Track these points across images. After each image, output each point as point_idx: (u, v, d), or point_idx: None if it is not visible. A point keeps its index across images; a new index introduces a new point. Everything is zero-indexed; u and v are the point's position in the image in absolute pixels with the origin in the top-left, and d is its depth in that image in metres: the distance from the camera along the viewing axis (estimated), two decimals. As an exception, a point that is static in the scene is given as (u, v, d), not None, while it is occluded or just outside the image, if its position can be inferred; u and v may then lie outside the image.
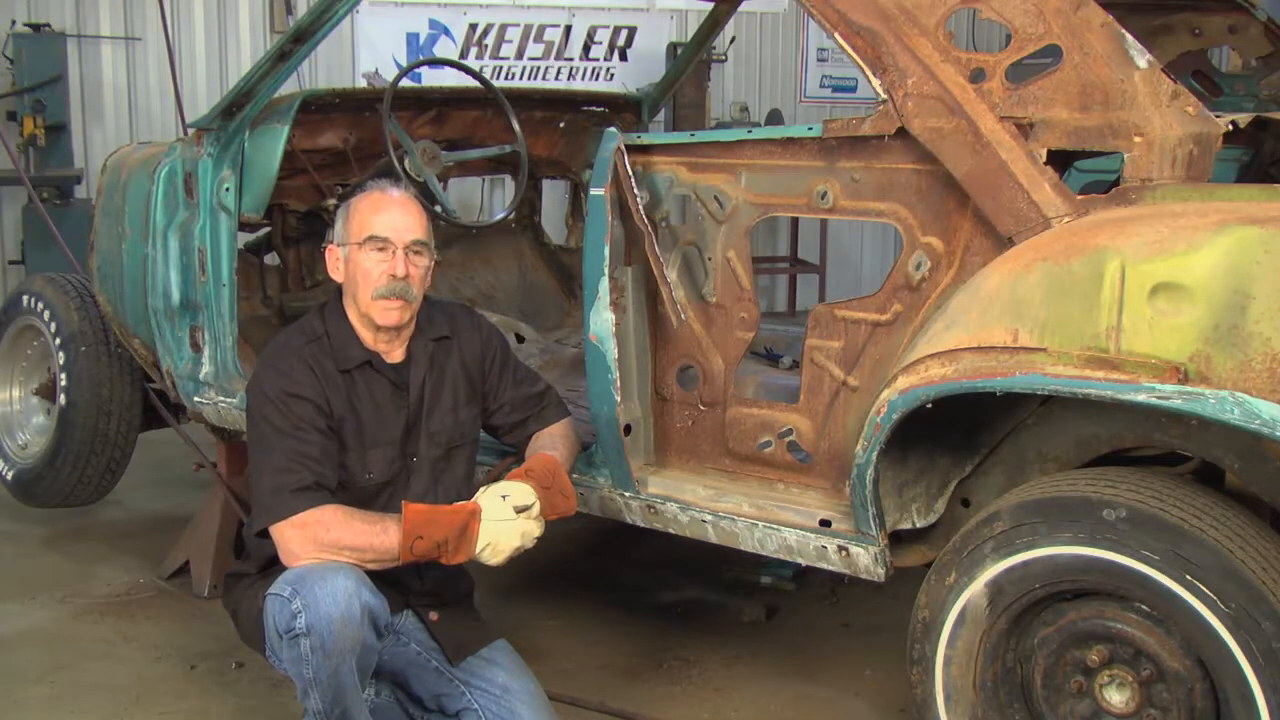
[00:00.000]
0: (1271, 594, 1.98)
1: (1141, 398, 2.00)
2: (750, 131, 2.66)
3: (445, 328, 2.74)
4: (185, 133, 3.67)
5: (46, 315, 4.12)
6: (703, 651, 3.37)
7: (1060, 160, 2.26)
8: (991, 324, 2.17)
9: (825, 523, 2.57)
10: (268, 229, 4.09)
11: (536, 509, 2.53)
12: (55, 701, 3.09)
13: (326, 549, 2.38)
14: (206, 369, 3.60)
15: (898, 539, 2.57)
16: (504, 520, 2.46)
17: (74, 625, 3.55)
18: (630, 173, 2.69)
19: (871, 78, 2.37)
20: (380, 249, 2.56)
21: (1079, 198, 2.22)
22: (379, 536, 2.38)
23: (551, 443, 2.77)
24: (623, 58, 8.44)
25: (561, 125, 4.51)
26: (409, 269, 2.56)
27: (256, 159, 3.48)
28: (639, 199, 2.70)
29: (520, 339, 4.07)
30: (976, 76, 2.30)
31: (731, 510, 2.70)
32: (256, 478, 2.50)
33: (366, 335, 2.62)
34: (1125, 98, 2.17)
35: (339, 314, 2.63)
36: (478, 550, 2.44)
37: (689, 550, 3.12)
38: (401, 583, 2.58)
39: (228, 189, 3.49)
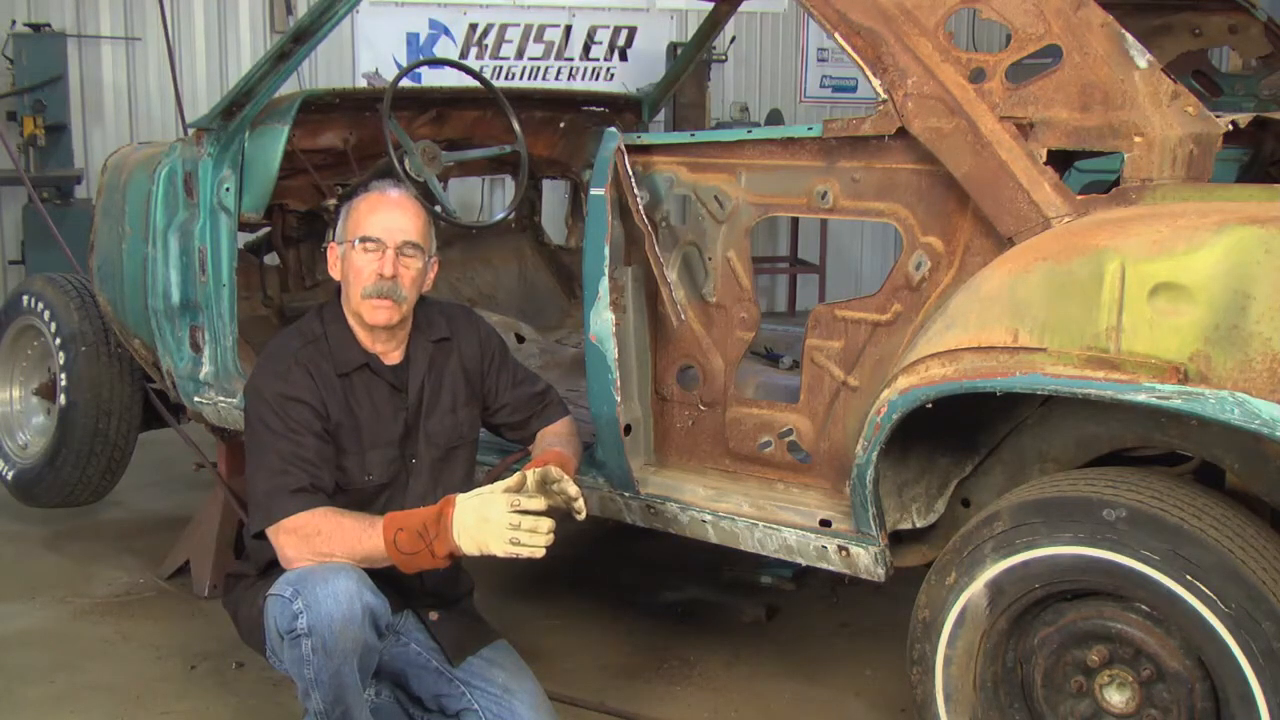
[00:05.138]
0: (1271, 594, 1.98)
1: (1141, 398, 2.00)
2: (750, 131, 2.67)
3: (444, 329, 2.74)
4: (185, 133, 3.67)
5: (46, 315, 4.12)
6: (703, 651, 3.37)
7: (1060, 160, 2.27)
8: (991, 324, 2.17)
9: (825, 523, 2.57)
10: (268, 229, 4.09)
11: (531, 481, 2.42)
12: (55, 701, 3.09)
13: (320, 553, 2.38)
14: (206, 369, 3.60)
15: (898, 539, 2.57)
16: (475, 496, 2.36)
17: (74, 625, 3.55)
18: (630, 173, 2.69)
19: (871, 78, 2.37)
20: (371, 249, 2.56)
21: (1079, 198, 2.22)
22: (367, 535, 2.37)
23: (559, 441, 2.76)
24: (623, 58, 8.44)
25: (561, 125, 4.51)
26: (398, 269, 2.56)
27: (256, 159, 3.48)
28: (639, 199, 2.70)
29: (520, 339, 4.07)
30: (976, 76, 2.30)
31: (731, 510, 2.70)
32: (252, 480, 2.50)
33: (363, 336, 2.62)
34: (1125, 98, 2.17)
35: (337, 315, 2.63)
36: (454, 534, 2.33)
37: (689, 550, 3.12)
38: (402, 583, 2.58)
39: (228, 189, 3.49)
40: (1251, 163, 3.27)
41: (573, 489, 2.47)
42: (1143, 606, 2.15)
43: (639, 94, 4.77)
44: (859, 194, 2.49)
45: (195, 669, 3.26)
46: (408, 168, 3.64)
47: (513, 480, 2.41)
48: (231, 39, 7.63)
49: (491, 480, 2.84)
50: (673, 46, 7.82)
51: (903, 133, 2.36)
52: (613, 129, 2.73)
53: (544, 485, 2.45)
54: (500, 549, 2.31)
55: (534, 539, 2.31)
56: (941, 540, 2.55)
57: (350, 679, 2.33)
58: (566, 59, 8.35)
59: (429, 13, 7.99)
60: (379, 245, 2.55)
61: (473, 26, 8.10)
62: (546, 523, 2.33)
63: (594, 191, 2.67)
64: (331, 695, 2.33)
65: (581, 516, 2.50)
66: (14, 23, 7.00)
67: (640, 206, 2.70)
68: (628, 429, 2.78)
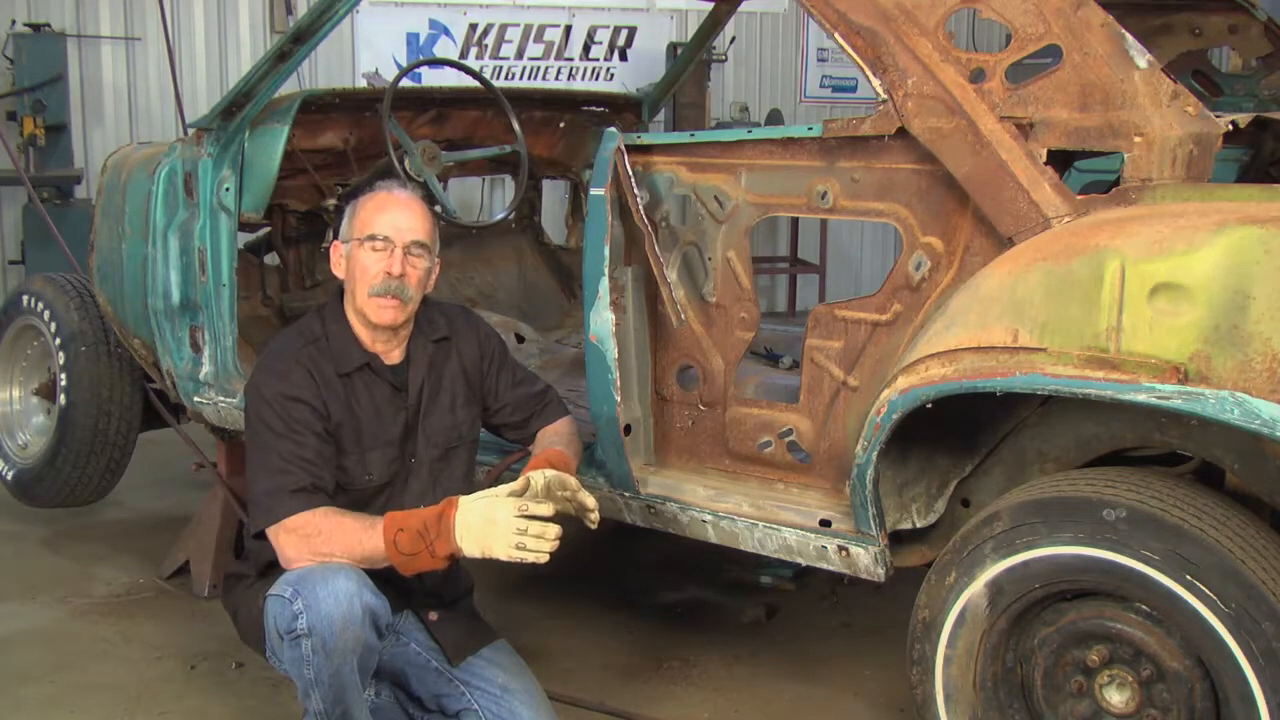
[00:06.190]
0: (1271, 594, 1.98)
1: (1141, 398, 2.00)
2: (750, 131, 2.67)
3: (444, 329, 2.74)
4: (185, 133, 3.67)
5: (46, 315, 4.12)
6: (703, 651, 3.37)
7: (1060, 160, 2.26)
8: (991, 324, 2.17)
9: (825, 523, 2.57)
10: (268, 229, 4.09)
11: (538, 485, 2.43)
12: (55, 701, 3.09)
13: (320, 553, 2.38)
14: (206, 369, 3.60)
15: (898, 539, 2.57)
16: (481, 498, 2.36)
17: (74, 625, 3.55)
18: (630, 173, 2.69)
19: (871, 78, 2.37)
20: (379, 247, 2.56)
21: (1079, 198, 2.22)
22: (367, 535, 2.37)
23: (560, 440, 2.77)
24: (623, 58, 8.44)
25: (561, 125, 4.51)
26: (406, 269, 2.56)
27: (256, 159, 3.48)
28: (639, 199, 2.70)
29: (520, 339, 4.07)
30: (976, 76, 2.30)
31: (731, 510, 2.70)
32: (253, 479, 2.50)
33: (365, 335, 2.62)
34: (1125, 98, 2.17)
35: (338, 315, 2.63)
36: (457, 535, 2.33)
37: (689, 550, 3.12)
38: (402, 583, 2.58)
39: (228, 189, 3.49)
40: (1251, 163, 3.27)
41: (590, 500, 2.49)
42: (1143, 606, 2.15)
43: (639, 94, 4.77)
44: (859, 194, 2.49)
45: (195, 669, 3.26)
46: (408, 168, 3.64)
47: (517, 484, 2.41)
48: (231, 39, 7.63)
49: (492, 480, 2.84)
50: (673, 46, 7.82)
51: (903, 133, 2.36)
52: (613, 129, 2.73)
53: (553, 492, 2.45)
54: (505, 553, 2.31)
55: (540, 544, 2.31)
56: (941, 540, 2.55)
57: (350, 679, 2.33)
58: (566, 59, 8.35)
59: (429, 13, 7.99)
60: (388, 244, 2.55)
61: (473, 26, 8.09)
62: (554, 529, 2.32)
63: (594, 191, 2.67)
64: (331, 695, 2.33)
65: (595, 526, 2.51)
66: (14, 23, 6.99)
67: (640, 206, 2.70)
68: (628, 429, 2.78)
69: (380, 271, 2.55)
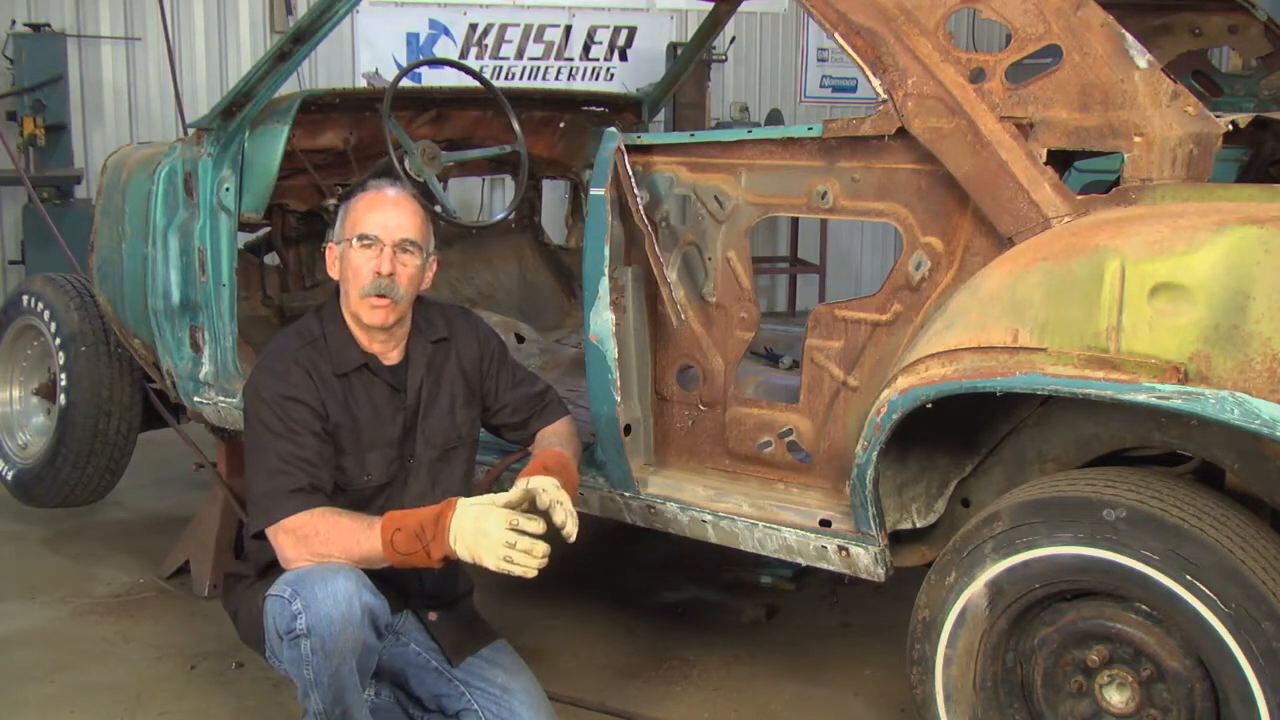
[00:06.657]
0: (1271, 594, 1.98)
1: (1141, 398, 2.00)
2: (750, 131, 2.67)
3: (443, 329, 2.74)
4: (185, 133, 3.67)
5: (46, 315, 4.12)
6: (703, 651, 3.37)
7: (1060, 160, 2.27)
8: (991, 324, 2.17)
9: (825, 523, 2.57)
10: (268, 229, 4.09)
11: (538, 498, 2.40)
12: (55, 701, 3.09)
13: (318, 554, 2.38)
14: (206, 369, 3.60)
15: (898, 539, 2.57)
16: (475, 505, 2.33)
17: (74, 625, 3.55)
18: (630, 173, 2.69)
19: (871, 78, 2.37)
20: (368, 246, 2.56)
21: (1079, 198, 2.22)
22: (365, 535, 2.36)
23: (559, 441, 2.76)
24: (623, 58, 8.44)
25: (561, 125, 4.51)
26: (395, 267, 2.55)
27: (256, 159, 3.48)
28: (639, 199, 2.70)
29: (520, 339, 4.07)
30: (976, 76, 2.30)
31: (731, 510, 2.70)
32: (252, 479, 2.50)
33: (361, 336, 2.61)
34: (1125, 98, 2.17)
35: (336, 315, 2.63)
36: (450, 539, 2.30)
37: (689, 550, 3.12)
38: (401, 584, 2.58)
39: (228, 189, 3.49)
40: (1251, 163, 3.27)
41: (558, 516, 2.39)
42: (1143, 606, 2.15)
43: (639, 94, 4.77)
44: (859, 194, 2.49)
45: (195, 669, 3.26)
46: (408, 168, 3.64)
47: (514, 495, 2.37)
48: (231, 39, 7.63)
49: (491, 480, 2.84)
50: (673, 46, 7.82)
51: (903, 133, 2.36)
52: (613, 129, 2.73)
53: (548, 500, 2.40)
54: (493, 564, 2.29)
55: (528, 560, 2.28)
56: (941, 540, 2.55)
57: (349, 679, 2.33)
58: (566, 59, 8.35)
59: (429, 13, 7.99)
60: (376, 243, 2.55)
61: (473, 26, 8.10)
62: (542, 547, 2.29)
63: (594, 191, 2.67)
64: (331, 695, 2.33)
65: (571, 540, 2.44)
66: (14, 23, 6.99)
67: (640, 206, 2.70)
68: (628, 429, 2.78)
69: (370, 271, 2.54)
